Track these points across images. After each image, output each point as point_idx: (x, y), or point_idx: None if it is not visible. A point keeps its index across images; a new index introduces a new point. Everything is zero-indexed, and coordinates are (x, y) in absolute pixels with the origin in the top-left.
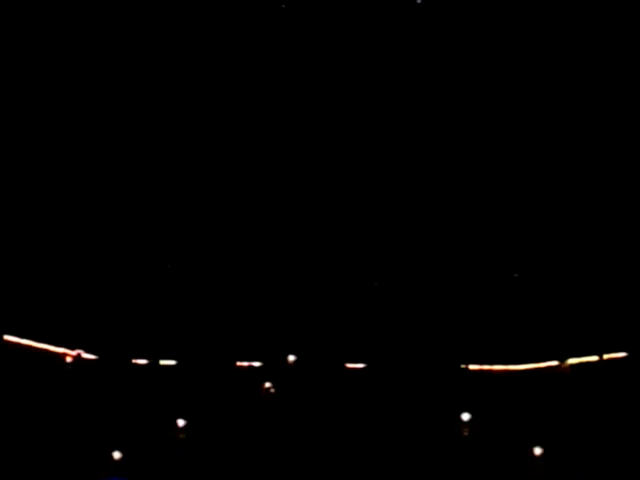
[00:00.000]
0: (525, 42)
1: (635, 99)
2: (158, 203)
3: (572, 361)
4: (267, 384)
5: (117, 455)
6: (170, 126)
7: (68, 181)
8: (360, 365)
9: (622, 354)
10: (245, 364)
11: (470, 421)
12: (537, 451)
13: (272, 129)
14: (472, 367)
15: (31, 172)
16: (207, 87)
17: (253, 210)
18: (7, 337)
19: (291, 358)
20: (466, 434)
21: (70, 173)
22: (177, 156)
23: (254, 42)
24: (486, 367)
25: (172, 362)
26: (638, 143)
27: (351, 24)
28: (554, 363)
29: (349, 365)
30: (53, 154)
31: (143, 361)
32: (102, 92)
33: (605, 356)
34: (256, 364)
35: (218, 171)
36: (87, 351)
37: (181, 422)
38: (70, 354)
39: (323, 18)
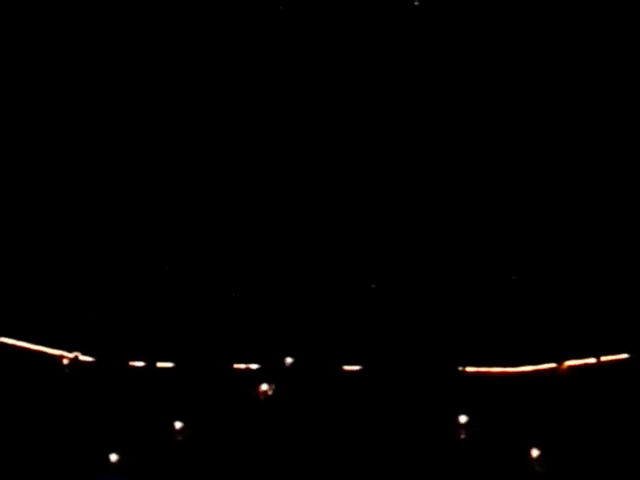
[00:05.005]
0: (524, 44)
1: (635, 99)
2: (155, 205)
3: (570, 363)
4: (264, 386)
5: (114, 457)
6: (166, 128)
7: (65, 183)
8: (357, 367)
9: (621, 356)
10: (242, 366)
11: (467, 423)
12: (535, 453)
13: (270, 130)
14: (469, 369)
15: (29, 173)
16: (204, 88)
17: (250, 213)
18: (3, 339)
19: (288, 360)
20: (463, 436)
21: (68, 175)
22: (174, 157)
23: (251, 44)
24: (483, 369)
25: (169, 364)
26: (638, 143)
27: (348, 26)
28: (552, 365)
29: (346, 367)
30: (49, 155)
31: (140, 363)
32: (102, 92)
33: (603, 358)
34: (253, 366)
35: (214, 173)
36: (84, 353)
37: (178, 424)
38: (67, 356)
39: (320, 20)
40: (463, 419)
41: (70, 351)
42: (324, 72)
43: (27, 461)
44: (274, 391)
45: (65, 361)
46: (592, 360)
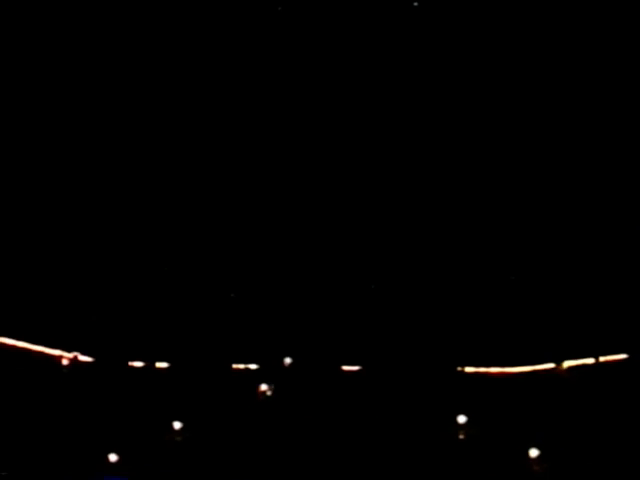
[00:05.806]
0: (524, 45)
1: (635, 99)
2: (153, 206)
3: (569, 363)
4: (263, 386)
5: (113, 458)
6: (165, 128)
7: (65, 183)
8: (356, 368)
9: (620, 356)
10: (241, 366)
11: (466, 424)
12: (534, 454)
13: (268, 132)
14: (468, 369)
15: (29, 173)
16: (203, 89)
17: (247, 213)
18: (2, 339)
19: (287, 361)
20: (462, 437)
21: (68, 175)
22: (173, 160)
23: (250, 45)
24: (482, 369)
25: (168, 364)
26: (637, 143)
27: (347, 27)
28: (551, 365)
29: (345, 368)
30: (49, 154)
31: (139, 363)
32: (101, 92)
33: (602, 358)
34: (252, 367)
35: (213, 174)
36: (84, 353)
37: (177, 425)
38: (66, 356)
39: (319, 21)
40: (462, 419)
41: (69, 351)
42: (323, 73)
43: (26, 461)
44: (273, 391)
45: (64, 361)
46: (591, 360)
